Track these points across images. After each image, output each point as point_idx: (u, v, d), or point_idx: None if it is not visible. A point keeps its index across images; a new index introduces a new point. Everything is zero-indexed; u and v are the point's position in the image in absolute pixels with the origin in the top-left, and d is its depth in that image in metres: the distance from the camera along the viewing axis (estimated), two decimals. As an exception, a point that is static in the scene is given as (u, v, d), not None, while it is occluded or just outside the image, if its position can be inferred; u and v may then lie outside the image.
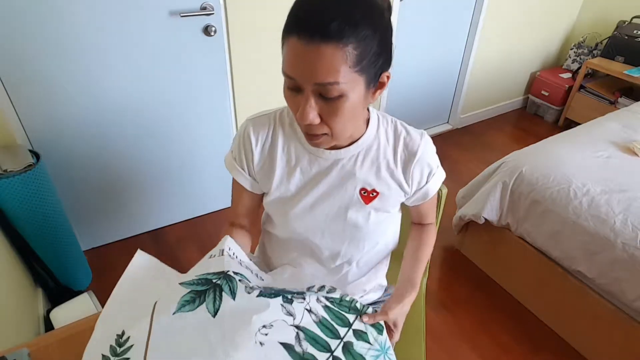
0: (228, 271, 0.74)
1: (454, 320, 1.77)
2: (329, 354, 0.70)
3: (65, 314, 1.51)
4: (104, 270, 1.88)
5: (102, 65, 1.59)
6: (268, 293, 0.73)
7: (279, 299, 0.72)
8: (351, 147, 0.81)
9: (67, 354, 0.80)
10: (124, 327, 0.71)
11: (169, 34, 1.65)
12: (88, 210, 1.89)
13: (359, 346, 0.73)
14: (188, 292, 0.71)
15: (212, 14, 1.68)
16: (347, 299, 0.79)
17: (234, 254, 0.82)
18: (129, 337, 0.69)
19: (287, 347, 0.68)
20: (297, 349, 0.68)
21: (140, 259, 0.86)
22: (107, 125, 1.73)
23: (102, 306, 1.63)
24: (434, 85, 2.90)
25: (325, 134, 0.71)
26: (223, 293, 0.71)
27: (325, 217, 0.86)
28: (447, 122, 3.20)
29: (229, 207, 2.28)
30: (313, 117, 0.67)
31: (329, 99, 0.65)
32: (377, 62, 0.66)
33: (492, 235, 1.87)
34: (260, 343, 0.66)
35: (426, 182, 0.86)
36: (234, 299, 0.70)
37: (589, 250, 1.50)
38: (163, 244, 2.05)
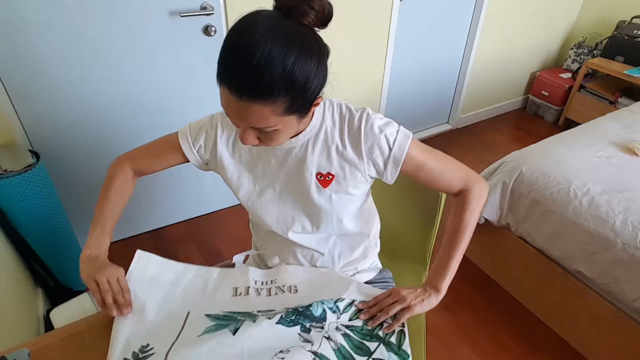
0: (253, 311, 0.79)
1: (454, 320, 1.77)
2: None
3: (65, 314, 1.51)
4: (104, 270, 1.88)
5: (102, 65, 1.59)
6: (287, 320, 0.76)
7: (297, 328, 0.75)
8: (300, 135, 0.82)
9: (67, 354, 0.80)
10: (149, 340, 0.75)
11: (169, 34, 1.65)
12: (88, 210, 1.88)
13: None
14: (213, 324, 0.76)
15: (212, 14, 1.68)
16: (369, 327, 0.79)
17: (259, 288, 0.86)
18: (152, 347, 0.74)
19: None
20: None
21: (142, 258, 0.89)
22: (107, 125, 1.73)
23: (102, 306, 1.62)
24: (434, 85, 2.90)
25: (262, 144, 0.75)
26: (245, 321, 0.76)
27: (292, 203, 0.89)
28: (447, 122, 3.20)
29: (228, 207, 2.28)
30: (252, 141, 0.71)
31: (264, 132, 0.69)
32: (309, 97, 0.67)
33: (492, 235, 1.87)
34: None
35: (389, 150, 0.82)
36: (254, 322, 0.75)
37: (589, 250, 1.50)
38: (163, 244, 2.05)
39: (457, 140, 3.04)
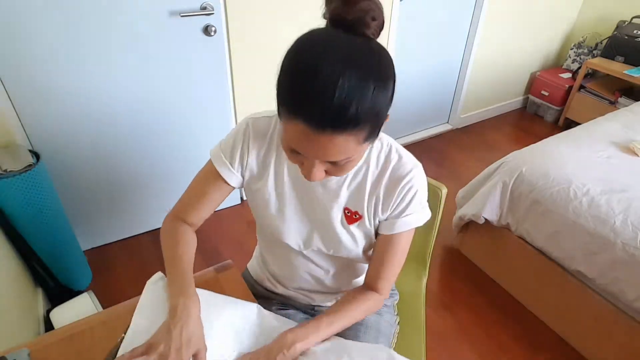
0: None
1: (454, 320, 1.77)
2: None
3: (65, 314, 1.51)
4: (104, 270, 1.88)
5: (102, 65, 1.59)
6: None
7: None
8: None
9: (67, 354, 0.80)
10: None
11: (169, 34, 1.65)
12: (88, 210, 1.89)
13: None
14: None
15: (212, 14, 1.68)
16: None
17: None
18: None
19: None
20: None
21: (159, 282, 0.85)
22: (107, 125, 1.73)
23: (102, 306, 1.64)
24: (434, 85, 2.90)
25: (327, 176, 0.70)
26: None
27: (311, 231, 0.85)
28: (447, 122, 3.20)
29: (228, 207, 2.28)
30: (320, 177, 0.66)
31: (336, 164, 0.65)
32: (383, 120, 0.63)
33: (492, 235, 1.87)
34: None
35: (403, 213, 0.79)
36: None
37: (589, 250, 1.50)
38: (163, 244, 2.05)
39: (457, 140, 3.04)
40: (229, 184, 0.84)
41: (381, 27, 0.60)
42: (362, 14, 0.57)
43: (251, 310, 0.84)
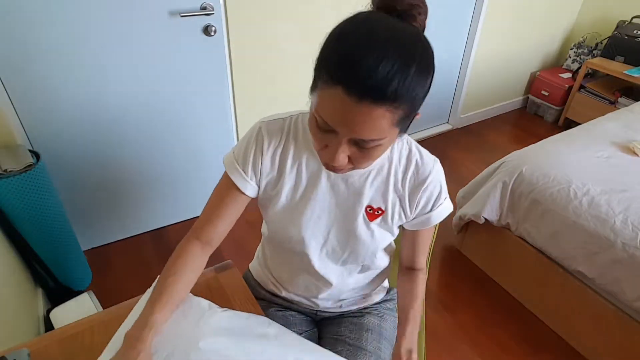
0: None
1: (454, 320, 1.77)
2: None
3: (65, 314, 1.51)
4: (104, 270, 1.88)
5: (101, 65, 1.59)
6: None
7: None
8: None
9: (67, 354, 0.80)
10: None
11: (169, 34, 1.65)
12: (88, 210, 1.89)
13: None
14: None
15: (212, 14, 1.68)
16: None
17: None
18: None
19: None
20: None
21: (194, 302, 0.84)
22: (107, 125, 1.73)
23: (102, 306, 1.63)
24: (434, 85, 2.81)
25: (349, 167, 0.68)
26: None
27: (329, 228, 0.84)
28: (447, 122, 3.20)
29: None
30: (342, 161, 0.64)
31: (363, 147, 0.63)
32: (417, 109, 0.63)
33: (492, 235, 1.87)
34: None
35: (430, 210, 0.83)
36: None
37: (589, 250, 1.50)
38: (163, 244, 2.05)
39: (457, 140, 3.04)
40: (244, 194, 0.81)
41: (424, 24, 0.64)
42: (410, 7, 0.61)
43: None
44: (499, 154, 1.95)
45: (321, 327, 1.05)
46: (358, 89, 0.55)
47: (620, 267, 1.43)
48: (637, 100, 2.56)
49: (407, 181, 0.80)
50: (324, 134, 0.63)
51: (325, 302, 0.99)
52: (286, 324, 0.92)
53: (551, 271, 1.66)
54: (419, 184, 0.80)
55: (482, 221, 1.81)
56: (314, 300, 0.99)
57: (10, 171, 1.40)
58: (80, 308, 1.54)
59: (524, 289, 1.84)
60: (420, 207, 0.82)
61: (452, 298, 1.87)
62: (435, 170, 0.80)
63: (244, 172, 0.80)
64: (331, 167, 0.68)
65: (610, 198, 1.52)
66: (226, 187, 0.82)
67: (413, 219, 0.84)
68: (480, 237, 1.95)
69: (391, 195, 0.81)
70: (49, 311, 1.54)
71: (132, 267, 1.91)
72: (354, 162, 0.67)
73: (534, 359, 1.64)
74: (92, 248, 1.99)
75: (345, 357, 0.84)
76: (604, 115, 2.20)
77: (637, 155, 1.77)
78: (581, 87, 3.02)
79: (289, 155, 0.80)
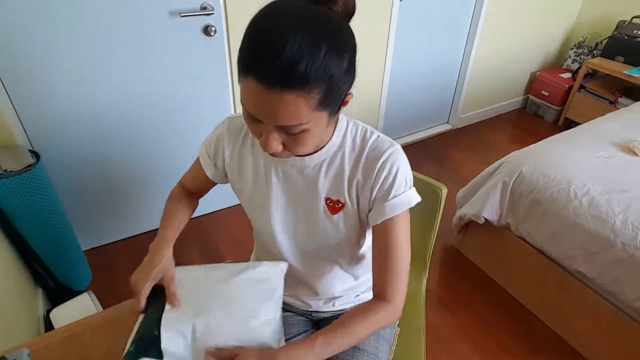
0: None
1: (454, 320, 1.77)
2: None
3: (65, 314, 1.51)
4: (104, 270, 1.88)
5: (101, 65, 1.59)
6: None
7: None
8: (314, 155, 0.77)
9: (67, 354, 0.80)
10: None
11: (169, 34, 1.65)
12: (88, 210, 1.89)
13: None
14: None
15: (212, 14, 1.68)
16: None
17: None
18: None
19: None
20: None
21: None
22: (107, 125, 1.73)
23: (102, 306, 1.64)
24: (434, 85, 2.90)
25: (286, 153, 0.70)
26: None
27: (294, 223, 0.85)
28: (447, 122, 3.20)
29: (228, 207, 2.28)
30: (276, 147, 0.65)
31: (290, 133, 0.63)
32: (341, 92, 0.63)
33: (492, 235, 1.87)
34: None
35: (389, 197, 0.75)
36: None
37: (589, 250, 1.50)
38: (163, 244, 2.05)
39: (457, 140, 3.04)
40: (207, 175, 0.92)
41: (349, 8, 0.62)
42: None
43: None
44: (499, 154, 1.95)
45: (319, 328, 1.05)
46: (267, 77, 0.56)
47: (620, 267, 1.43)
48: (637, 100, 2.56)
49: (360, 166, 0.76)
50: (255, 123, 0.65)
51: (316, 302, 0.99)
52: (283, 325, 0.92)
53: (551, 271, 1.66)
54: (371, 167, 0.75)
55: (482, 221, 1.81)
56: (304, 300, 0.99)
57: (10, 171, 1.40)
58: (80, 308, 1.54)
59: (524, 289, 1.84)
60: (374, 193, 0.76)
61: (452, 298, 1.87)
62: (390, 150, 0.75)
63: (209, 157, 0.90)
64: (271, 154, 0.69)
65: (610, 198, 1.52)
66: (199, 164, 0.94)
67: (370, 210, 0.78)
68: (480, 237, 1.95)
69: (347, 184, 0.78)
70: (49, 311, 1.54)
71: (132, 267, 1.89)
72: (288, 148, 0.67)
73: (534, 359, 1.64)
74: (92, 248, 1.99)
75: (343, 358, 0.83)
76: (604, 115, 2.20)
77: (637, 155, 1.77)
78: (581, 87, 3.02)
79: (246, 152, 0.84)
